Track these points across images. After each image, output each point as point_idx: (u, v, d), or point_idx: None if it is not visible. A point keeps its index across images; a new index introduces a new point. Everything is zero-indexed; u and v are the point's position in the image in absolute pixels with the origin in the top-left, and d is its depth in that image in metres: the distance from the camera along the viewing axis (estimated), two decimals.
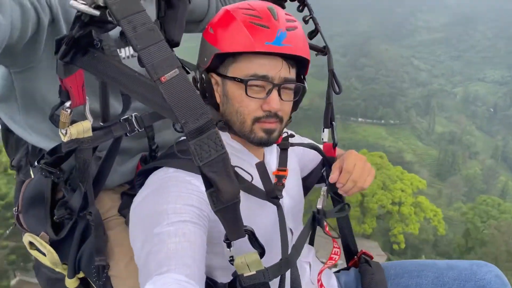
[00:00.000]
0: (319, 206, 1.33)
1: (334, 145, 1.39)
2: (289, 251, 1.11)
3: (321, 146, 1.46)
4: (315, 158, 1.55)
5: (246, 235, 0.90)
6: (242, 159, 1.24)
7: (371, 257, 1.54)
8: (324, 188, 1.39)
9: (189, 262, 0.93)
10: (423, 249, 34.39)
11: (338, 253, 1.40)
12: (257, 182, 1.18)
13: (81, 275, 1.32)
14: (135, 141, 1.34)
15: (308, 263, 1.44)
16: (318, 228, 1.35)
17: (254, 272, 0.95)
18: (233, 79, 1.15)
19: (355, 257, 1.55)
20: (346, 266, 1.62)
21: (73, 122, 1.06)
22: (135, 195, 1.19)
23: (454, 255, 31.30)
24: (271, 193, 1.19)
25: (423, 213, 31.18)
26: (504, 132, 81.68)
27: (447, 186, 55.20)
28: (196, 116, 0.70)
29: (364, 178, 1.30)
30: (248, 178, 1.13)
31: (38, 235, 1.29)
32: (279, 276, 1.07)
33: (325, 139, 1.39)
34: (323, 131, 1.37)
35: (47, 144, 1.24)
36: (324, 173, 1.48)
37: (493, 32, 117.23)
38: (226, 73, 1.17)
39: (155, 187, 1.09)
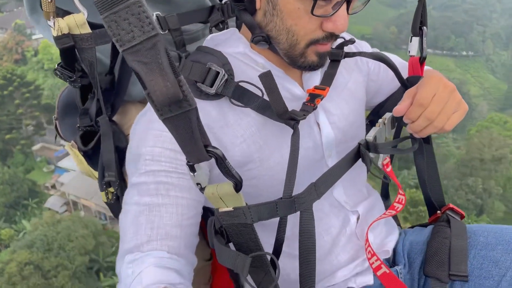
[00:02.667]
0: (369, 137, 0.99)
1: (422, 60, 1.09)
2: (303, 190, 0.83)
3: (404, 63, 1.18)
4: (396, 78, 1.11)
5: (213, 159, 0.65)
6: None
7: (462, 216, 1.15)
8: (388, 114, 1.07)
9: (173, 231, 0.83)
10: None
11: (403, 202, 1.06)
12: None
13: (112, 189, 1.22)
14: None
15: (356, 212, 1.09)
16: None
17: (231, 209, 0.74)
18: None
19: (438, 212, 1.18)
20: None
21: (67, 13, 0.94)
22: None
23: None
24: (284, 114, 0.86)
25: None
26: None
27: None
28: None
29: (447, 116, 0.93)
30: (259, 94, 0.90)
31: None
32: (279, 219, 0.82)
33: (413, 52, 1.09)
34: (411, 41, 1.08)
35: None
36: None
37: None
38: None
39: (138, 122, 0.94)
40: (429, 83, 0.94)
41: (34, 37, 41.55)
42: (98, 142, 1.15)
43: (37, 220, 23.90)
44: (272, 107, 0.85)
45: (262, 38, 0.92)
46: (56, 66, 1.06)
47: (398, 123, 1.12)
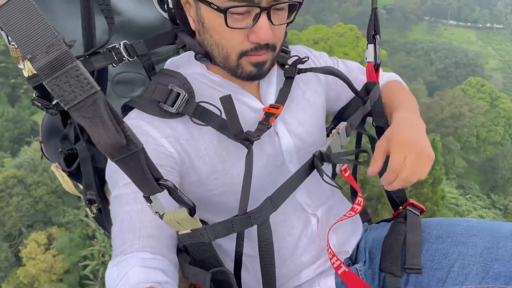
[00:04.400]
0: (323, 148, 1.04)
1: (376, 66, 1.14)
2: (260, 204, 0.89)
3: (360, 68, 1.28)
4: (355, 84, 1.17)
5: (165, 190, 0.72)
6: (221, 93, 1.01)
7: (422, 210, 1.20)
8: (342, 124, 1.11)
9: (154, 232, 0.86)
10: None
11: (361, 203, 1.11)
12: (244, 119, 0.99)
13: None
14: (139, 69, 1.24)
15: (316, 215, 1.13)
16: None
17: (189, 231, 0.82)
18: (208, 4, 0.91)
19: (400, 207, 1.23)
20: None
21: None
22: None
23: None
24: (239, 134, 0.94)
25: None
26: None
27: None
28: (44, 48, 0.55)
29: (417, 174, 0.97)
30: (217, 113, 0.96)
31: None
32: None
33: (370, 59, 1.15)
34: (367, 48, 1.15)
35: None
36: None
37: None
38: None
39: None
40: (398, 146, 0.97)
41: None
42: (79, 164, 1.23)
43: (28, 148, 26.86)
44: (230, 127, 0.92)
45: (202, 55, 1.01)
46: (34, 96, 1.08)
47: (358, 130, 1.19)
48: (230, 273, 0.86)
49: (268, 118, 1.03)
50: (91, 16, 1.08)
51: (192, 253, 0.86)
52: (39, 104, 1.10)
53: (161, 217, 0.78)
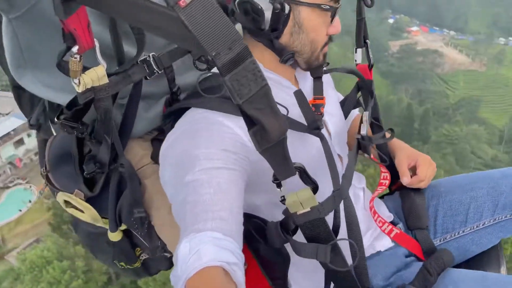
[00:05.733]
0: (363, 132, 1.27)
1: (370, 66, 1.36)
2: (340, 182, 1.02)
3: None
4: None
5: (297, 173, 0.83)
6: (281, 90, 1.17)
7: None
8: (365, 113, 1.29)
9: (226, 215, 0.91)
10: None
11: (388, 177, 1.37)
12: (293, 114, 1.10)
13: (123, 227, 1.30)
14: (156, 84, 1.26)
15: (362, 189, 1.39)
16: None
17: (309, 209, 0.86)
18: (318, 6, 1.08)
19: (399, 180, 1.43)
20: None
21: (85, 69, 0.94)
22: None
23: None
24: (312, 124, 1.11)
25: None
26: None
27: None
28: (228, 45, 0.58)
29: (429, 181, 1.39)
30: (283, 111, 1.01)
31: (72, 193, 1.24)
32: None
33: (359, 61, 1.35)
34: (356, 52, 1.34)
35: (64, 99, 1.10)
36: (360, 98, 1.41)
37: None
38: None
39: (184, 129, 1.06)
40: (424, 165, 1.35)
41: None
42: (105, 186, 1.21)
43: None
44: (304, 118, 1.09)
45: (291, 55, 1.12)
46: (59, 119, 1.06)
47: (372, 117, 1.37)
48: (352, 242, 0.94)
49: (318, 109, 1.20)
50: (118, 34, 1.12)
51: (306, 231, 0.90)
52: (65, 127, 1.07)
53: (283, 201, 0.87)
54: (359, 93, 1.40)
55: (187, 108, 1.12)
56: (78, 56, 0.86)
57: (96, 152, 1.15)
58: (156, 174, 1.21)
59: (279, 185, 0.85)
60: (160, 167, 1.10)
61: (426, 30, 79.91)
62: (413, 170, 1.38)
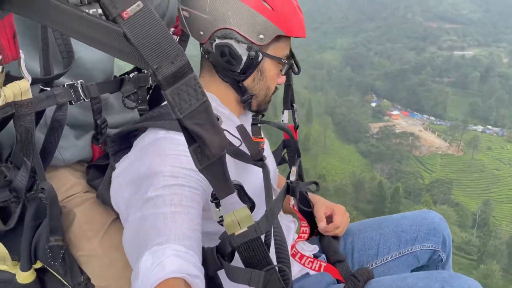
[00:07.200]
0: (292, 178, 1.43)
1: (296, 127, 1.54)
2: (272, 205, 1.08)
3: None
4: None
5: (236, 191, 0.88)
6: (229, 125, 1.22)
7: None
8: (293, 168, 1.50)
9: (188, 233, 0.93)
10: None
11: (307, 232, 1.52)
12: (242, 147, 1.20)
13: (37, 265, 1.17)
14: (89, 115, 1.23)
15: (293, 221, 1.58)
16: None
17: (246, 229, 0.88)
18: (278, 59, 1.26)
19: (317, 229, 1.63)
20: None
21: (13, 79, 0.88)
22: (103, 165, 1.23)
23: None
24: (257, 155, 1.20)
25: None
26: None
27: None
28: (170, 59, 0.59)
29: (344, 228, 1.57)
30: (236, 142, 1.17)
31: None
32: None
33: (285, 121, 1.54)
34: (283, 113, 1.53)
35: None
36: (286, 155, 1.61)
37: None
38: (267, 51, 1.23)
39: (146, 148, 1.08)
40: (340, 214, 1.55)
41: None
42: (21, 218, 1.09)
43: None
44: (248, 152, 1.21)
45: (251, 97, 1.29)
46: None
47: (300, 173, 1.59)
48: (285, 268, 0.98)
49: (259, 144, 1.34)
50: (48, 47, 1.11)
51: (242, 253, 0.91)
52: None
53: (221, 222, 0.91)
54: (285, 150, 1.61)
55: (134, 131, 1.20)
56: (0, 67, 0.81)
57: (12, 177, 1.02)
58: (88, 203, 1.22)
59: (218, 205, 0.88)
60: (115, 188, 1.11)
61: (407, 114, 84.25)
62: (330, 219, 1.56)
